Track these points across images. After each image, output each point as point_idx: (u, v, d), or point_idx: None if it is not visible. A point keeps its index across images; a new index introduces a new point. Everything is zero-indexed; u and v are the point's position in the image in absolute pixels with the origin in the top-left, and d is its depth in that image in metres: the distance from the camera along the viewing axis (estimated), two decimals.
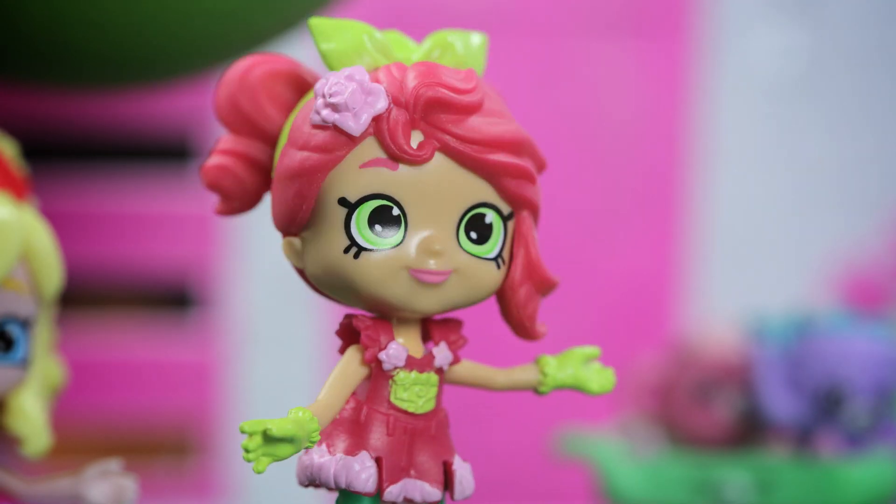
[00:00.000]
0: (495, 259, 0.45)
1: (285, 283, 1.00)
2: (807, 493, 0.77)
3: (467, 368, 0.47)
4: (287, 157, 0.44)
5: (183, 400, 1.01)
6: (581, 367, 0.50)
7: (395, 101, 0.43)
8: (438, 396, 0.46)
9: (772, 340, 0.79)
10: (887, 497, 0.77)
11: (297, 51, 0.94)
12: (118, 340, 1.01)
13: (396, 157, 0.43)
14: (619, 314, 1.07)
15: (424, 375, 0.45)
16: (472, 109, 0.44)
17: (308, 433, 0.42)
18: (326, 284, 0.45)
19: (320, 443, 0.45)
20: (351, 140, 0.43)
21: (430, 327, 0.46)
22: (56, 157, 1.01)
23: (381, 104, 0.43)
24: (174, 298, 1.02)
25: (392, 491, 0.44)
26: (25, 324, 0.52)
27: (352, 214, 0.43)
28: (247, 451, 0.41)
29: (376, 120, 0.43)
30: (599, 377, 0.50)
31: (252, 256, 1.01)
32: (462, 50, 0.46)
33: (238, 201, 0.48)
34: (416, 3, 1.00)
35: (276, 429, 0.41)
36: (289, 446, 0.42)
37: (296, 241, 0.45)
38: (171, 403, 1.01)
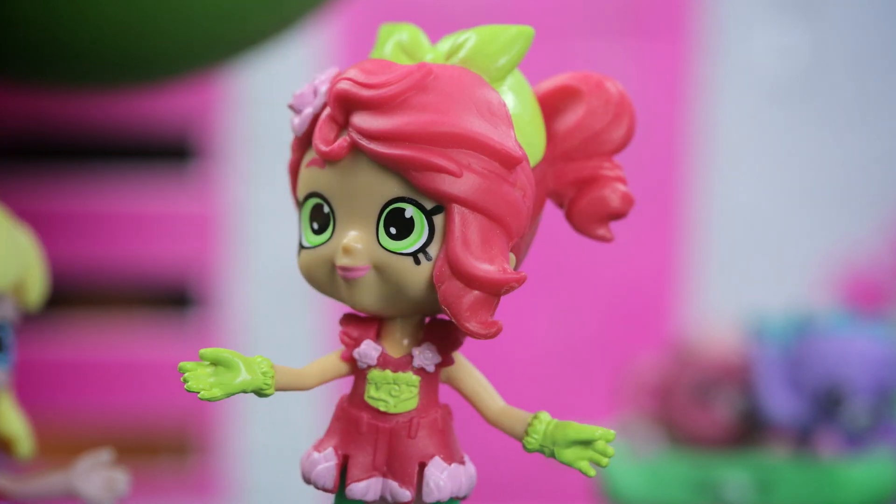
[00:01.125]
0: (414, 254, 0.44)
1: (285, 283, 1.01)
2: (807, 493, 0.77)
3: (468, 382, 0.47)
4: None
5: (183, 400, 1.01)
6: (567, 448, 0.45)
7: (328, 97, 0.44)
8: (423, 397, 0.45)
9: (771, 340, 0.79)
10: (887, 497, 0.77)
11: (297, 50, 0.94)
12: (118, 340, 1.01)
13: (319, 154, 0.44)
14: (619, 314, 1.07)
15: (401, 375, 0.45)
16: (376, 104, 0.43)
17: (259, 369, 0.46)
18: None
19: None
20: (302, 141, 0.45)
21: (425, 329, 0.46)
22: (56, 157, 1.00)
23: (318, 103, 0.44)
24: (174, 298, 1.02)
25: (356, 488, 0.45)
26: (12, 329, 0.52)
27: (301, 213, 0.45)
28: (184, 370, 0.44)
29: (315, 119, 0.45)
30: (582, 462, 0.45)
31: (252, 256, 1.01)
32: (477, 45, 0.47)
33: None
34: (415, 2, 1.00)
35: (207, 352, 0.44)
36: (227, 373, 0.44)
37: None
38: (171, 403, 1.01)
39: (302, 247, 0.45)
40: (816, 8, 1.09)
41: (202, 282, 1.01)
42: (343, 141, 0.43)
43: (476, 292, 0.43)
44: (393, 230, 0.44)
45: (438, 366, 0.46)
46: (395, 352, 0.46)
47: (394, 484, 0.45)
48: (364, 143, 0.43)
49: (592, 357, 1.05)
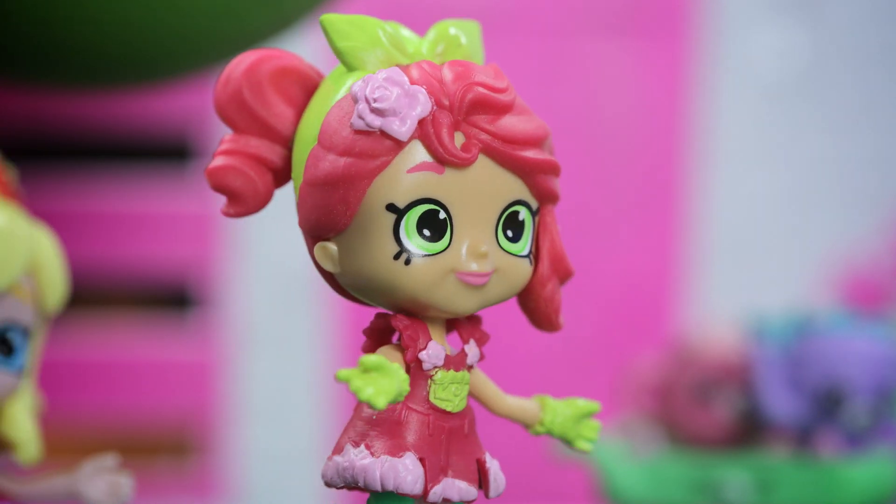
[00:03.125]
0: (528, 255, 0.45)
1: (285, 283, 1.01)
2: (807, 493, 0.77)
3: (481, 375, 0.47)
4: (324, 161, 0.43)
5: (183, 400, 1.01)
6: (574, 423, 0.48)
7: (438, 103, 0.43)
8: (468, 395, 0.46)
9: (772, 340, 0.79)
10: (887, 497, 0.77)
11: (296, 48, 0.94)
12: (118, 340, 1.01)
13: (443, 160, 0.42)
14: (619, 314, 1.07)
15: (459, 374, 0.45)
16: (508, 108, 0.44)
17: (402, 381, 0.42)
18: (365, 289, 0.44)
19: (357, 442, 0.44)
20: (397, 145, 0.42)
21: (456, 325, 0.46)
22: (56, 156, 1.00)
23: (425, 107, 0.42)
24: (174, 298, 1.02)
25: (436, 491, 0.44)
26: (26, 332, 0.52)
27: (400, 220, 0.43)
28: (349, 379, 0.41)
29: (420, 123, 0.42)
30: (588, 434, 0.49)
31: (252, 256, 1.01)
32: (466, 42, 0.46)
33: (248, 203, 0.46)
34: (415, 2, 1.00)
35: (368, 361, 0.41)
36: (386, 376, 0.41)
37: (331, 246, 0.44)
38: (171, 403, 1.01)
39: (411, 254, 0.43)
40: (816, 8, 1.09)
41: (202, 282, 1.01)
42: (474, 146, 0.43)
43: (560, 287, 0.46)
44: (510, 233, 0.44)
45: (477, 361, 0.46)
46: (450, 351, 0.45)
47: (461, 483, 0.44)
48: (502, 148, 0.43)
49: (592, 357, 1.05)
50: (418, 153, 0.43)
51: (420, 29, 0.47)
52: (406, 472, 0.43)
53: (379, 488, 0.43)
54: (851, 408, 0.77)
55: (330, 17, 0.44)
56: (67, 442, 0.97)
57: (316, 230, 0.44)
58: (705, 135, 1.09)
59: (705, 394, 0.81)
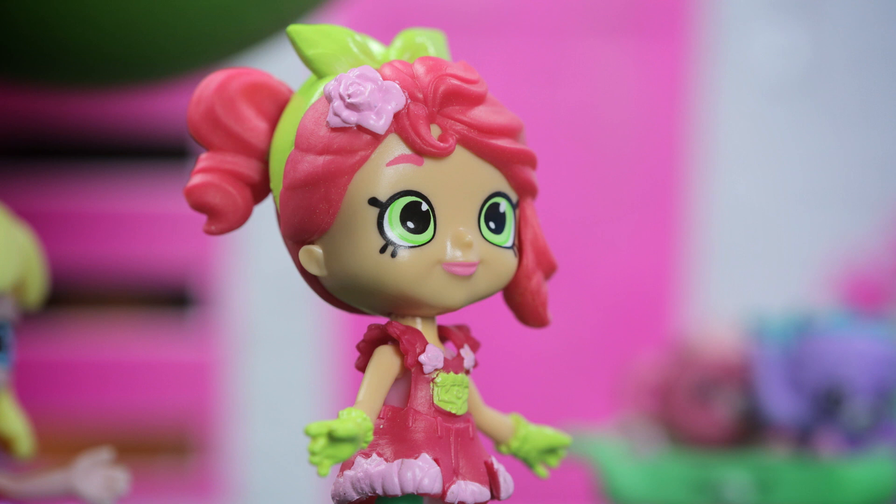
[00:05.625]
0: (512, 247, 0.45)
1: (285, 283, 1.01)
2: (807, 492, 0.77)
3: (470, 385, 0.47)
4: (303, 163, 0.43)
5: (183, 400, 1.01)
6: (540, 453, 0.48)
7: (412, 96, 0.43)
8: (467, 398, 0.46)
9: (772, 340, 0.79)
10: (887, 497, 0.77)
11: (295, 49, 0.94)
12: (118, 340, 1.01)
13: (422, 151, 0.43)
14: (619, 314, 1.07)
15: (459, 377, 0.45)
16: (480, 99, 0.44)
17: (364, 432, 0.42)
18: (352, 289, 0.44)
19: (367, 453, 0.44)
20: (375, 139, 0.43)
21: (446, 332, 0.46)
22: (56, 156, 1.01)
23: (399, 101, 0.43)
24: (174, 298, 1.02)
25: (453, 491, 0.44)
26: (12, 328, 0.52)
27: (383, 214, 0.43)
28: (313, 454, 0.41)
29: (396, 117, 0.43)
30: (551, 463, 0.49)
31: (252, 256, 1.01)
32: (434, 51, 0.46)
33: (229, 219, 0.46)
34: (415, 2, 1.00)
35: (341, 429, 0.41)
36: (350, 446, 0.41)
37: (316, 249, 0.44)
38: (171, 403, 1.01)
39: (397, 246, 0.43)
40: (816, 8, 1.09)
41: (202, 282, 1.01)
42: (451, 136, 0.43)
43: (545, 282, 0.46)
44: (492, 224, 0.45)
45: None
46: (446, 354, 0.45)
47: (474, 485, 0.44)
48: (478, 137, 0.44)
49: (592, 357, 1.05)
50: (396, 146, 0.43)
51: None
52: (424, 471, 0.43)
53: (398, 491, 0.43)
54: (851, 408, 0.77)
55: (296, 28, 0.44)
56: (67, 442, 0.97)
57: (299, 234, 0.44)
58: (705, 135, 1.09)
59: (705, 394, 0.81)
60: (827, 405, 0.77)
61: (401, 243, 0.43)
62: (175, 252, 1.01)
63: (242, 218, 0.46)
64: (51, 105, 0.98)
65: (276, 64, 0.93)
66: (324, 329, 1.01)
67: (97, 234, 1.00)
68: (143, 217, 1.01)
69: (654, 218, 1.08)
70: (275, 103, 0.46)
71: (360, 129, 0.42)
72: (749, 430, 0.81)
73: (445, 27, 0.49)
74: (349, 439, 0.41)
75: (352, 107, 0.42)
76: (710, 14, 1.08)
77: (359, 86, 0.42)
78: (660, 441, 0.83)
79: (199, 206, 0.46)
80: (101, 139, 1.01)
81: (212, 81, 0.45)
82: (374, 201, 0.43)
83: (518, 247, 0.46)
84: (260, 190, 0.46)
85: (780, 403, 0.78)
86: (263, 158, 0.46)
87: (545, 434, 0.48)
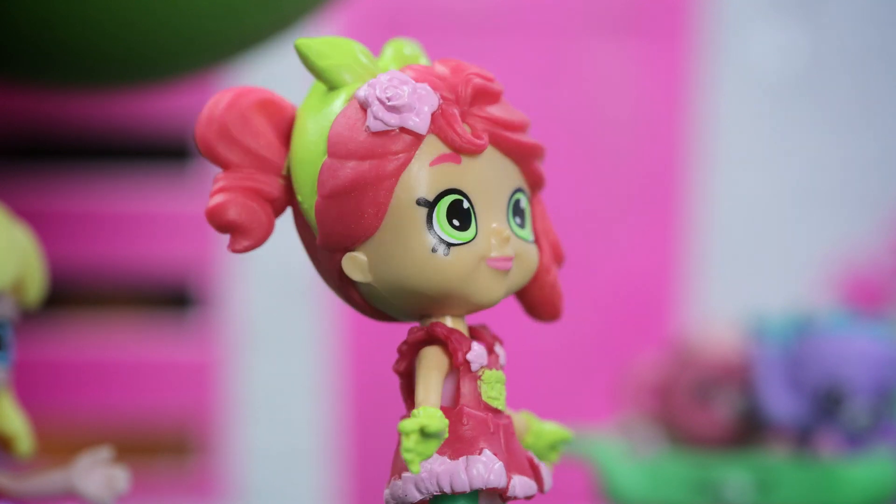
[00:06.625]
0: (534, 241, 0.46)
1: (285, 283, 1.01)
2: (807, 492, 0.77)
3: None
4: (344, 170, 0.43)
5: (183, 400, 1.01)
6: (547, 448, 0.49)
7: (442, 97, 0.44)
8: None
9: (772, 340, 0.79)
10: (887, 497, 0.77)
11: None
12: (118, 340, 1.01)
13: (461, 149, 0.44)
14: (619, 314, 1.07)
15: (500, 373, 0.46)
16: (500, 96, 0.45)
17: (445, 428, 0.42)
18: (398, 292, 0.44)
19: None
20: (416, 140, 0.43)
21: (474, 331, 0.47)
22: (56, 157, 1.01)
23: (434, 101, 0.43)
24: (174, 298, 1.02)
25: (514, 484, 0.44)
26: (11, 326, 0.52)
27: (432, 213, 0.43)
28: (407, 450, 0.41)
29: (432, 117, 0.43)
30: (552, 458, 0.49)
31: (252, 256, 1.01)
32: (424, 59, 0.47)
33: (255, 234, 0.45)
34: (415, 2, 1.00)
35: (432, 426, 0.41)
36: (437, 442, 0.42)
37: (360, 255, 0.44)
38: (171, 403, 1.01)
39: (449, 244, 0.43)
40: (816, 7, 1.09)
41: (202, 282, 1.01)
42: (483, 132, 0.44)
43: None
44: (518, 220, 0.45)
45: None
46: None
47: (524, 478, 0.45)
48: (504, 133, 0.45)
49: (592, 357, 1.05)
50: (436, 146, 0.43)
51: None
52: (489, 467, 0.43)
53: (468, 488, 0.43)
54: (851, 408, 0.77)
55: (305, 41, 0.45)
56: (67, 442, 0.97)
57: (342, 241, 0.44)
58: (705, 135, 1.09)
59: (705, 394, 0.81)
60: (827, 405, 0.77)
61: (451, 241, 0.43)
62: (175, 252, 1.01)
63: (267, 233, 0.46)
64: (51, 105, 0.98)
65: (276, 64, 0.93)
66: (324, 329, 1.01)
67: (97, 234, 1.00)
68: (143, 217, 1.01)
69: (654, 218, 1.08)
70: (283, 119, 0.46)
71: (403, 130, 0.43)
72: (749, 430, 0.81)
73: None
74: (438, 435, 0.42)
75: (393, 109, 0.43)
76: (710, 14, 1.08)
77: (397, 89, 0.43)
78: (660, 441, 0.83)
79: (223, 226, 0.45)
80: (101, 139, 1.01)
81: (220, 100, 0.45)
82: (422, 201, 0.43)
83: (535, 241, 0.47)
84: (279, 205, 0.46)
85: (780, 403, 0.78)
86: (280, 173, 0.46)
87: (551, 429, 0.49)
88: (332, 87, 0.45)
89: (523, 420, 0.48)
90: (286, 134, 0.46)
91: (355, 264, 0.44)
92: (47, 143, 1.00)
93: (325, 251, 0.45)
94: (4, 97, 0.97)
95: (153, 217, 1.01)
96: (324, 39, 0.45)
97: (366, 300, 0.46)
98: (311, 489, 1.00)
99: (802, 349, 0.78)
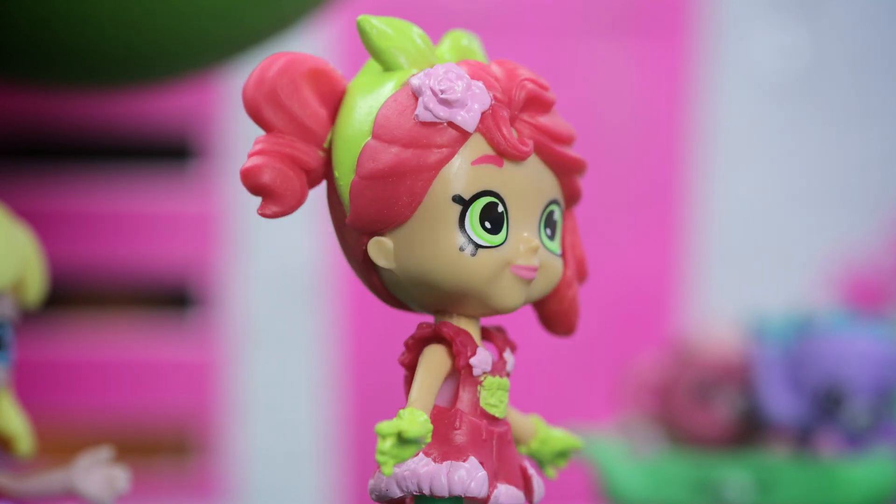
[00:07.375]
0: (561, 255, 0.46)
1: (285, 283, 1.01)
2: (807, 492, 0.77)
3: None
4: (386, 154, 0.43)
5: (183, 400, 1.01)
6: (554, 455, 0.49)
7: (494, 98, 0.43)
8: None
9: (772, 340, 0.79)
10: (887, 497, 0.77)
11: (295, 49, 0.94)
12: (118, 340, 1.01)
13: (505, 152, 0.43)
14: (619, 314, 1.07)
15: (503, 380, 0.45)
16: (552, 106, 0.45)
17: (427, 434, 0.42)
18: (419, 284, 0.44)
19: (416, 452, 0.44)
20: (462, 136, 0.43)
21: (488, 333, 0.46)
22: (56, 157, 1.01)
23: (485, 100, 0.43)
24: (174, 298, 1.02)
25: (496, 495, 0.44)
26: (11, 326, 0.52)
27: (465, 212, 0.43)
28: (382, 453, 0.41)
29: (482, 117, 0.43)
30: (560, 464, 0.50)
31: (252, 256, 1.01)
32: (480, 55, 0.47)
33: (286, 201, 0.44)
34: (415, 3, 1.00)
35: (410, 431, 0.41)
36: (415, 447, 0.42)
37: (387, 241, 0.44)
38: (171, 403, 1.01)
39: (477, 245, 0.43)
40: (816, 7, 1.09)
41: (202, 282, 1.01)
42: (530, 141, 0.44)
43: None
44: (548, 231, 0.45)
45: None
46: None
47: (512, 488, 0.45)
48: (550, 143, 0.44)
49: (592, 357, 1.05)
50: (480, 146, 0.43)
51: (423, 29, 0.47)
52: (472, 475, 0.43)
53: (446, 493, 0.43)
54: (851, 408, 0.77)
55: (367, 19, 0.44)
56: (67, 441, 0.97)
57: (372, 224, 0.44)
58: (706, 135, 1.09)
59: (705, 394, 0.81)
60: (827, 405, 0.77)
61: (481, 243, 0.43)
62: (175, 252, 1.01)
63: (298, 202, 0.45)
64: (51, 105, 0.98)
65: None
66: (324, 329, 1.01)
67: (97, 234, 1.00)
68: (143, 217, 1.00)
69: (654, 218, 1.08)
70: (333, 91, 0.45)
71: (451, 125, 0.43)
72: (749, 430, 0.81)
73: (445, 27, 0.49)
74: (416, 441, 0.41)
75: (444, 102, 0.43)
76: (710, 14, 1.08)
77: (451, 82, 0.43)
78: (660, 441, 0.83)
79: (255, 188, 0.44)
80: (101, 139, 1.01)
81: (274, 63, 0.44)
82: (458, 199, 0.43)
83: (562, 255, 0.46)
84: (314, 176, 0.45)
85: (780, 403, 0.78)
86: (321, 145, 0.45)
87: (560, 437, 0.48)
88: (387, 68, 0.45)
89: (531, 424, 0.48)
90: (334, 107, 0.45)
91: (381, 249, 0.44)
92: (47, 143, 1.00)
93: (354, 231, 0.45)
94: (4, 97, 0.97)
95: (153, 217, 1.00)
96: (386, 20, 0.45)
97: (385, 286, 0.45)
98: (311, 489, 1.00)
99: (802, 349, 0.78)
